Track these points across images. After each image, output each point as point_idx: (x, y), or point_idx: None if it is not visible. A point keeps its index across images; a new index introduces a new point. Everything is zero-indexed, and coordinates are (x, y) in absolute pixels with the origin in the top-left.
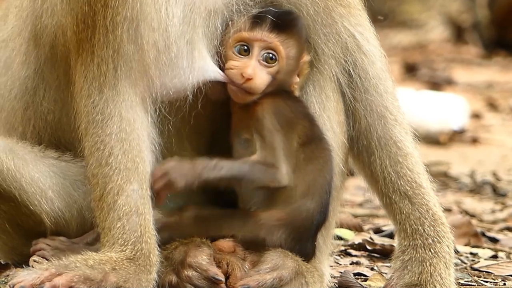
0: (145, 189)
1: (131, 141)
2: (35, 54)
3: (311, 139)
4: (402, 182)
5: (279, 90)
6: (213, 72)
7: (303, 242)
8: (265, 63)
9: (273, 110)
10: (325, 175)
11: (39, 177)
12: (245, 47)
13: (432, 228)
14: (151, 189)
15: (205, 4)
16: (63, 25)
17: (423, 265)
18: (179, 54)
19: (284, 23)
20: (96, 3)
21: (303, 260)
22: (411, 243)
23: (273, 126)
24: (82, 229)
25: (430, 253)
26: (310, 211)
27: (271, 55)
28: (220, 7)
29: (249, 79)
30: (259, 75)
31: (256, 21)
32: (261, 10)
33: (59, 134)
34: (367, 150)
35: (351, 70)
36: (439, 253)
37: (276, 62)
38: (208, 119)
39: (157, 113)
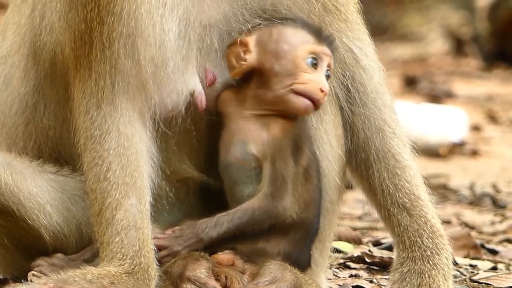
0: (143, 203)
1: (129, 156)
2: (34, 70)
3: (311, 161)
4: (400, 195)
5: None
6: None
7: (300, 252)
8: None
9: (292, 135)
10: (319, 188)
11: (37, 191)
12: (315, 61)
13: (430, 240)
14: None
15: (200, 19)
16: (62, 42)
17: (422, 277)
18: (175, 69)
19: (334, 41)
20: (92, 20)
21: (301, 273)
22: (409, 255)
23: (289, 155)
24: (81, 244)
25: (428, 265)
26: (309, 220)
27: (329, 72)
28: (215, 21)
29: (325, 94)
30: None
31: (320, 36)
32: (305, 21)
33: (60, 149)
34: (365, 163)
35: (349, 85)
36: (437, 265)
37: (329, 80)
38: (206, 133)
39: (156, 128)
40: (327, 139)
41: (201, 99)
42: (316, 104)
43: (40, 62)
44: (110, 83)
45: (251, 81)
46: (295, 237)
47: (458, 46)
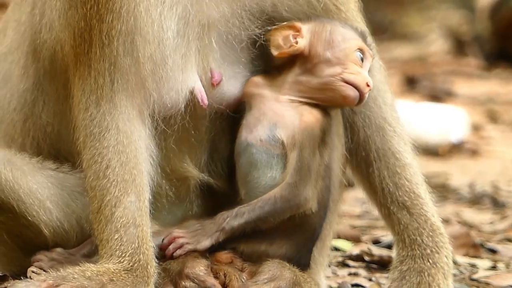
0: (143, 201)
1: (128, 153)
2: (34, 67)
3: (330, 160)
4: (400, 193)
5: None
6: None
7: (302, 254)
8: None
9: (323, 127)
10: (330, 190)
11: (37, 188)
12: (362, 56)
13: (430, 239)
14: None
15: (198, 18)
16: (61, 40)
17: (422, 276)
18: (174, 67)
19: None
20: (91, 18)
21: (300, 271)
22: (409, 253)
23: (316, 147)
24: (81, 239)
25: (428, 263)
26: (313, 224)
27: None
28: (214, 21)
29: (370, 89)
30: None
31: (365, 37)
32: (356, 27)
33: (59, 146)
34: (365, 161)
35: None
36: (437, 264)
37: None
38: (207, 132)
39: (155, 126)
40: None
41: (202, 96)
42: (361, 96)
43: (40, 59)
44: (110, 80)
45: (294, 66)
46: (299, 241)
47: (459, 46)
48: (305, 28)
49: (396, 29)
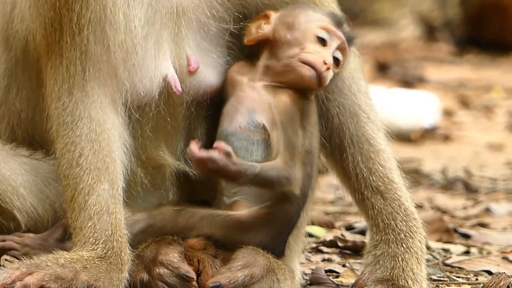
0: (116, 188)
1: (101, 141)
2: (5, 55)
3: (311, 147)
4: (374, 178)
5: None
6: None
7: (277, 242)
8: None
9: (300, 106)
10: (309, 182)
11: (10, 174)
12: (325, 38)
13: (404, 223)
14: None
15: (168, 5)
16: (33, 30)
17: (395, 260)
18: (146, 55)
19: (353, 37)
20: (61, 7)
21: (274, 258)
22: (383, 237)
23: (298, 127)
24: (55, 224)
25: (402, 248)
26: (290, 214)
27: (339, 57)
28: (184, 8)
29: (328, 68)
30: (331, 69)
31: (337, 22)
32: (335, 13)
33: (33, 132)
34: (339, 148)
35: None
36: (411, 248)
37: (339, 65)
38: (183, 119)
39: (129, 114)
40: None
41: (175, 83)
42: (320, 76)
43: (12, 48)
44: (81, 69)
45: (263, 52)
46: (275, 230)
47: (430, 32)
48: (275, 15)
49: (367, 15)
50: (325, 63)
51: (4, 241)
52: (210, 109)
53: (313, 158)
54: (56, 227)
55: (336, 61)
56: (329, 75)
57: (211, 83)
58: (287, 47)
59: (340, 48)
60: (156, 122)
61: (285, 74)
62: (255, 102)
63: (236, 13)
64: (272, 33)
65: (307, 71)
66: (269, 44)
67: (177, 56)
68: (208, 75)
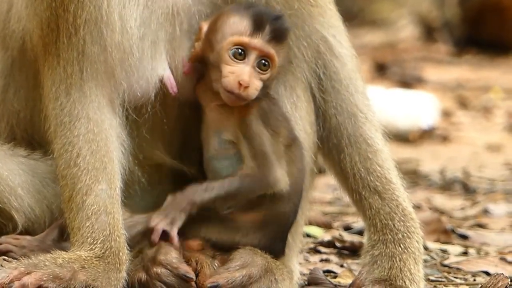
0: (114, 188)
1: (99, 141)
2: (2, 54)
3: (292, 141)
4: (372, 178)
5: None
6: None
7: (276, 243)
8: (258, 69)
9: (259, 114)
10: (302, 177)
11: (8, 174)
12: (240, 51)
13: (402, 223)
14: (151, 241)
15: (164, 6)
16: (30, 30)
17: (393, 260)
18: (143, 56)
19: (282, 33)
20: (57, 8)
21: (273, 258)
22: (381, 238)
23: (261, 130)
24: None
25: (400, 248)
26: (287, 213)
27: (265, 62)
28: (179, 9)
29: (246, 87)
30: (254, 83)
31: (256, 27)
32: (256, 10)
33: (32, 131)
34: (337, 148)
35: (321, 74)
36: (409, 249)
37: (269, 69)
38: (179, 120)
39: (127, 115)
40: (303, 126)
41: (171, 84)
42: (239, 96)
43: (9, 48)
44: (79, 69)
45: (206, 71)
46: (273, 231)
47: (428, 32)
48: (204, 28)
49: (365, 16)
50: (240, 84)
51: (0, 243)
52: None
53: (299, 151)
54: (52, 228)
55: (264, 66)
56: (252, 89)
57: None
58: (212, 69)
59: (263, 55)
60: (152, 123)
61: (219, 96)
62: (217, 123)
63: None
64: (202, 53)
65: (227, 96)
66: (204, 62)
67: (173, 57)
68: None
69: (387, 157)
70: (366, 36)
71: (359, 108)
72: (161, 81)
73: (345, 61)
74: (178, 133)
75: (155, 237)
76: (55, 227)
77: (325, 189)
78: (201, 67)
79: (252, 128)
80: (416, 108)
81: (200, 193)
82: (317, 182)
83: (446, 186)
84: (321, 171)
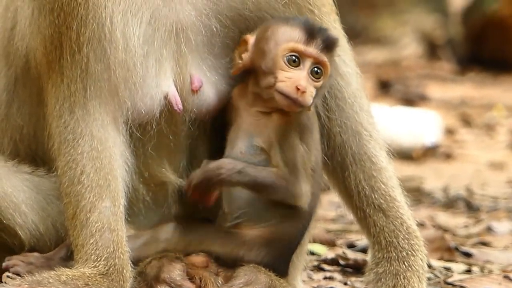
0: (118, 206)
1: (102, 159)
2: (5, 70)
3: (316, 166)
4: (376, 196)
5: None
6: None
7: (280, 262)
8: (312, 77)
9: (298, 127)
10: (315, 202)
11: (12, 191)
12: (295, 58)
13: (406, 241)
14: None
15: (167, 24)
16: (34, 48)
17: (397, 278)
18: (147, 74)
19: (333, 42)
20: (60, 25)
21: (276, 276)
22: (385, 255)
23: (296, 144)
24: (57, 242)
25: (404, 266)
26: (294, 234)
27: (318, 70)
28: (183, 26)
29: (303, 92)
30: (309, 89)
31: (310, 35)
32: (304, 20)
33: (36, 147)
34: (341, 166)
35: (326, 92)
36: (413, 266)
37: (321, 77)
38: (185, 137)
39: (131, 133)
40: None
41: (176, 101)
42: (296, 102)
43: (12, 65)
44: (82, 87)
45: (250, 79)
46: (278, 249)
47: (432, 50)
48: (251, 40)
49: (369, 33)
50: (298, 89)
51: (9, 260)
52: (212, 128)
53: (318, 177)
54: (60, 247)
55: (316, 74)
56: (308, 95)
57: (213, 102)
58: (264, 76)
59: (316, 62)
60: (157, 140)
61: (269, 102)
62: (252, 127)
63: (235, 28)
64: (251, 63)
65: (284, 101)
66: (252, 72)
67: (179, 75)
68: (211, 94)
69: (391, 175)
70: (369, 54)
71: (363, 126)
72: (166, 98)
73: (350, 80)
74: (184, 151)
75: (191, 190)
76: (64, 246)
77: (329, 206)
78: (243, 76)
79: (289, 139)
80: (420, 125)
81: (233, 173)
82: (321, 199)
83: (450, 203)
84: (325, 189)
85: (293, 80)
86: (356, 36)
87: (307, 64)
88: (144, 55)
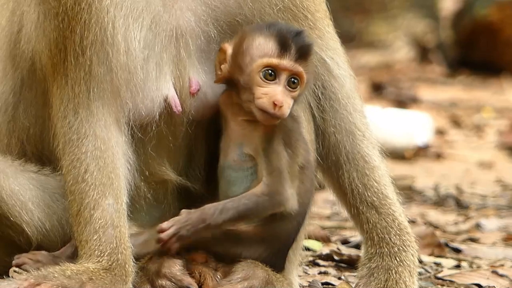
0: (120, 203)
1: (105, 158)
2: (12, 72)
3: (306, 163)
4: (369, 193)
5: None
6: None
7: (277, 258)
8: (289, 88)
9: (281, 133)
10: (309, 197)
11: (19, 189)
12: (271, 72)
13: (398, 237)
14: (160, 244)
15: (168, 28)
16: (39, 51)
17: (389, 273)
18: (148, 77)
19: (307, 50)
20: (65, 29)
21: (273, 271)
22: (377, 251)
23: (280, 149)
24: (62, 239)
25: (395, 261)
26: (290, 231)
27: (295, 80)
28: (182, 30)
29: (280, 107)
30: (286, 101)
31: (283, 47)
32: (278, 29)
33: (42, 147)
34: (335, 165)
35: (320, 94)
36: (404, 262)
37: (298, 86)
38: (184, 137)
39: (132, 133)
40: None
41: (176, 104)
42: (274, 116)
43: (18, 67)
44: (86, 89)
45: (233, 88)
46: (274, 246)
47: (423, 54)
48: (229, 50)
49: (363, 37)
50: (275, 104)
51: (18, 258)
52: (210, 128)
53: (310, 173)
54: (68, 246)
55: (293, 84)
56: (286, 108)
57: (211, 104)
58: (243, 91)
59: (292, 74)
60: (158, 141)
61: (250, 114)
62: (240, 136)
63: (231, 33)
64: (229, 75)
65: (262, 116)
66: (234, 83)
67: (178, 78)
68: (208, 97)
69: (383, 174)
70: (363, 57)
71: (357, 126)
72: (166, 100)
73: (343, 81)
74: (183, 151)
75: (163, 241)
76: (71, 245)
77: (324, 204)
78: (228, 84)
79: (273, 145)
80: (411, 126)
81: (216, 216)
82: (316, 197)
83: (440, 201)
84: (320, 187)
85: (269, 95)
86: (350, 40)
87: (283, 77)
88: (144, 59)
